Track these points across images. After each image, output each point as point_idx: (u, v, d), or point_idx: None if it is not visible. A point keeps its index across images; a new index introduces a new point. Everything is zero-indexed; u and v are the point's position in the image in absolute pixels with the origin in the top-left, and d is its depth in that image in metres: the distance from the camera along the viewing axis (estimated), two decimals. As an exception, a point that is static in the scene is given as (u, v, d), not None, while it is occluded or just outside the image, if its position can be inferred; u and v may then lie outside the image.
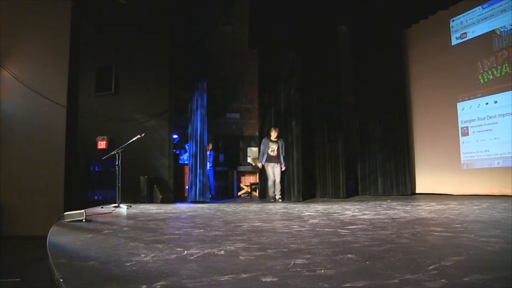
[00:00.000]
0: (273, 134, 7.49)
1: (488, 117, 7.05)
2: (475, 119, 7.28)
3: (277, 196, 7.38)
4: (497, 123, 6.89)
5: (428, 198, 6.94)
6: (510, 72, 6.67)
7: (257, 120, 9.00)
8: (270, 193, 7.45)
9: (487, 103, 7.08)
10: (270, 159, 7.41)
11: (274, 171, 7.41)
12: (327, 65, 8.01)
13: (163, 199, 7.12)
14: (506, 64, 6.72)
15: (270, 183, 7.47)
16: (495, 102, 6.93)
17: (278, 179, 7.40)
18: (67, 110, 7.64)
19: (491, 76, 7.00)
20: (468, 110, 7.41)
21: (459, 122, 7.56)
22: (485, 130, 7.08)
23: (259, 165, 7.64)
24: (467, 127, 7.42)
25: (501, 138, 6.79)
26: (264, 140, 7.55)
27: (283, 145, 7.50)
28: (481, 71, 7.16)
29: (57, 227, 3.56)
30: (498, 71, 6.87)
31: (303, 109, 7.71)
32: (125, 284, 1.58)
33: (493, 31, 6.97)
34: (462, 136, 7.49)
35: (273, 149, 7.43)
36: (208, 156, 9.37)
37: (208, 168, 9.46)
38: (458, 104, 7.59)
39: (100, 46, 8.17)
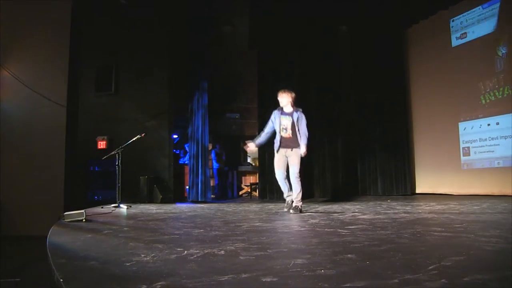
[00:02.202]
0: (283, 101, 4.81)
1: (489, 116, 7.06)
2: (474, 119, 7.28)
3: (294, 202, 4.63)
4: (498, 123, 6.89)
5: (428, 198, 6.94)
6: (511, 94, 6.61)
7: (257, 120, 9.00)
8: (286, 197, 4.84)
9: (488, 100, 7.07)
10: (282, 142, 4.76)
11: (285, 160, 4.74)
12: (327, 65, 8.01)
13: (163, 199, 7.12)
14: (508, 87, 6.66)
15: (279, 180, 4.76)
16: (497, 123, 6.88)
17: (294, 173, 4.60)
18: (67, 110, 7.63)
19: (493, 97, 6.95)
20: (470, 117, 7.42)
21: (459, 123, 7.56)
22: (486, 130, 7.09)
23: (250, 146, 5.04)
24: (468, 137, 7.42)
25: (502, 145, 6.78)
26: (273, 114, 4.90)
27: (302, 119, 4.75)
28: (483, 92, 7.11)
29: (57, 227, 3.56)
30: (500, 92, 6.81)
31: (302, 109, 7.70)
32: (125, 284, 1.58)
33: (495, 52, 6.89)
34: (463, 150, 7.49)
35: (284, 126, 4.71)
36: (221, 155, 9.51)
37: (217, 167, 9.53)
38: (458, 103, 7.58)
39: (100, 46, 8.16)
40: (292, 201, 4.71)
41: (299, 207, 4.63)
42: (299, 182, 4.64)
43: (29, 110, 7.57)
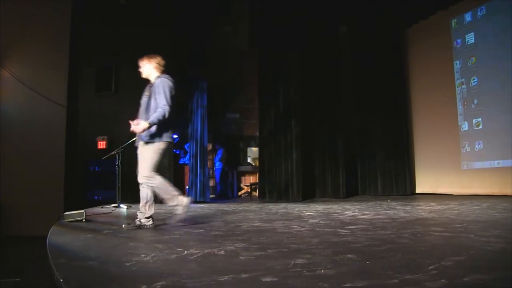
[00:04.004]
0: (143, 71, 3.76)
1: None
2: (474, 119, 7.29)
3: (138, 214, 3.42)
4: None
5: (428, 198, 6.94)
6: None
7: (257, 120, 9.01)
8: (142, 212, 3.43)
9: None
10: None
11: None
12: (327, 65, 8.01)
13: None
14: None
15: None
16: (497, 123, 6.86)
17: (141, 171, 3.42)
18: (67, 110, 7.63)
19: None
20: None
21: (459, 122, 7.56)
22: (486, 130, 7.08)
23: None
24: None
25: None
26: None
27: (159, 86, 3.55)
28: None
29: (57, 227, 3.56)
30: None
31: (303, 109, 7.71)
32: (125, 284, 1.58)
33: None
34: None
35: (145, 104, 3.60)
36: (225, 155, 9.53)
37: (221, 166, 9.53)
38: (458, 104, 7.58)
39: (100, 46, 8.16)
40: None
41: (140, 222, 3.30)
42: (149, 188, 3.37)
43: (29, 110, 7.57)
